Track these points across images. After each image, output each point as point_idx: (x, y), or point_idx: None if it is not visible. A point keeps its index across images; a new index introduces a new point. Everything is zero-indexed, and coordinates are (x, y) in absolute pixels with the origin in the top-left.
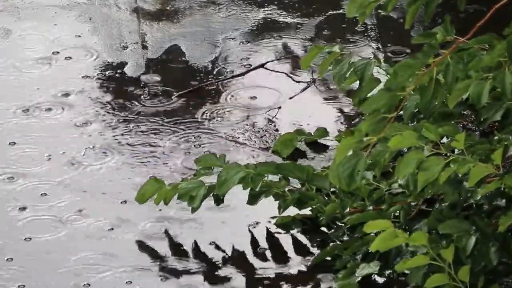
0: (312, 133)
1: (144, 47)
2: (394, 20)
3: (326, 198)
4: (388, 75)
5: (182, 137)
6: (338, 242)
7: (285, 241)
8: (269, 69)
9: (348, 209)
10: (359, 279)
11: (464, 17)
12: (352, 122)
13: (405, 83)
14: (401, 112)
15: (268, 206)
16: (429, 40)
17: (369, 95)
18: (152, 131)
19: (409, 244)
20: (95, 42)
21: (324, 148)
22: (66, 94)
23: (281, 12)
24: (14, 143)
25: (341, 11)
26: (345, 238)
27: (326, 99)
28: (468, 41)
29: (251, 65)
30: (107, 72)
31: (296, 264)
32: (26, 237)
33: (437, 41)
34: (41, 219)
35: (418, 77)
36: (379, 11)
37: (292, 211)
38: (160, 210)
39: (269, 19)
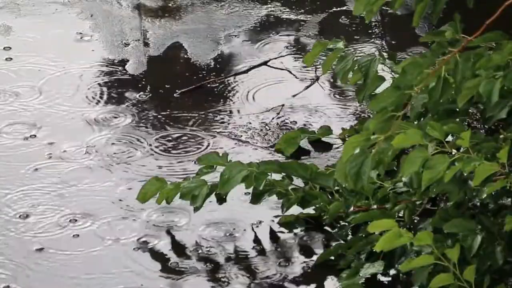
0: (316, 131)
1: (146, 44)
2: (398, 16)
3: (330, 197)
4: (392, 72)
5: (184, 135)
6: (342, 241)
7: (289, 240)
8: (272, 67)
9: (352, 208)
10: (363, 279)
11: (471, 15)
12: (357, 120)
13: (413, 82)
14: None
15: (271, 205)
16: (438, 39)
17: (376, 92)
18: (153, 130)
19: (414, 244)
20: (96, 40)
21: (328, 147)
22: (67, 92)
23: (284, 9)
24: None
25: (345, 7)
26: (349, 237)
27: (330, 96)
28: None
29: (254, 63)
30: (108, 70)
31: (300, 264)
32: None
33: (445, 39)
34: None
35: (427, 76)
36: (384, 7)
37: (295, 210)
38: (162, 209)
39: (272, 16)
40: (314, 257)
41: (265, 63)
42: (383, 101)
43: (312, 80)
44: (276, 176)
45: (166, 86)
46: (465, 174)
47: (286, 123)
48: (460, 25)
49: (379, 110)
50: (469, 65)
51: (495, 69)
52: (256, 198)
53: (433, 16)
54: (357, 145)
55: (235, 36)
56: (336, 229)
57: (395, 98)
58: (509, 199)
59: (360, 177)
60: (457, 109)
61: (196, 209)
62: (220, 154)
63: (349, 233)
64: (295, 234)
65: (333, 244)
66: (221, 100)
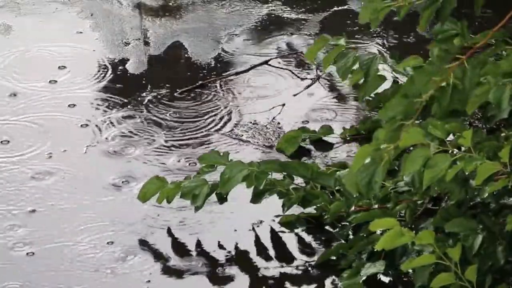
0: (317, 131)
1: (146, 43)
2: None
3: (331, 197)
4: (393, 72)
5: (185, 134)
6: (343, 241)
7: (289, 240)
8: (273, 66)
9: (353, 208)
10: (364, 278)
11: (475, 21)
12: (358, 119)
13: (422, 90)
14: None
15: (272, 205)
16: (446, 46)
17: (377, 91)
18: (154, 129)
19: (415, 243)
20: (96, 39)
21: (329, 146)
22: (67, 92)
23: (285, 8)
24: (8, 141)
25: (346, 7)
26: (350, 237)
27: (330, 95)
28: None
29: (254, 62)
30: (108, 69)
31: (301, 263)
32: None
33: (454, 46)
34: None
35: (435, 84)
36: None
37: (296, 209)
38: (162, 208)
39: (273, 15)
40: (315, 257)
41: (266, 62)
42: (392, 110)
43: (313, 80)
44: (277, 176)
45: (166, 85)
46: (467, 173)
47: (287, 122)
48: (467, 32)
49: (388, 120)
50: (477, 71)
51: (503, 76)
52: (256, 197)
53: (440, 23)
54: (368, 154)
55: (236, 35)
56: (337, 229)
57: (404, 107)
58: (511, 199)
59: (372, 187)
60: (459, 109)
61: (197, 209)
62: (221, 153)
63: (350, 233)
64: (296, 234)
65: (334, 244)
66: (222, 99)
